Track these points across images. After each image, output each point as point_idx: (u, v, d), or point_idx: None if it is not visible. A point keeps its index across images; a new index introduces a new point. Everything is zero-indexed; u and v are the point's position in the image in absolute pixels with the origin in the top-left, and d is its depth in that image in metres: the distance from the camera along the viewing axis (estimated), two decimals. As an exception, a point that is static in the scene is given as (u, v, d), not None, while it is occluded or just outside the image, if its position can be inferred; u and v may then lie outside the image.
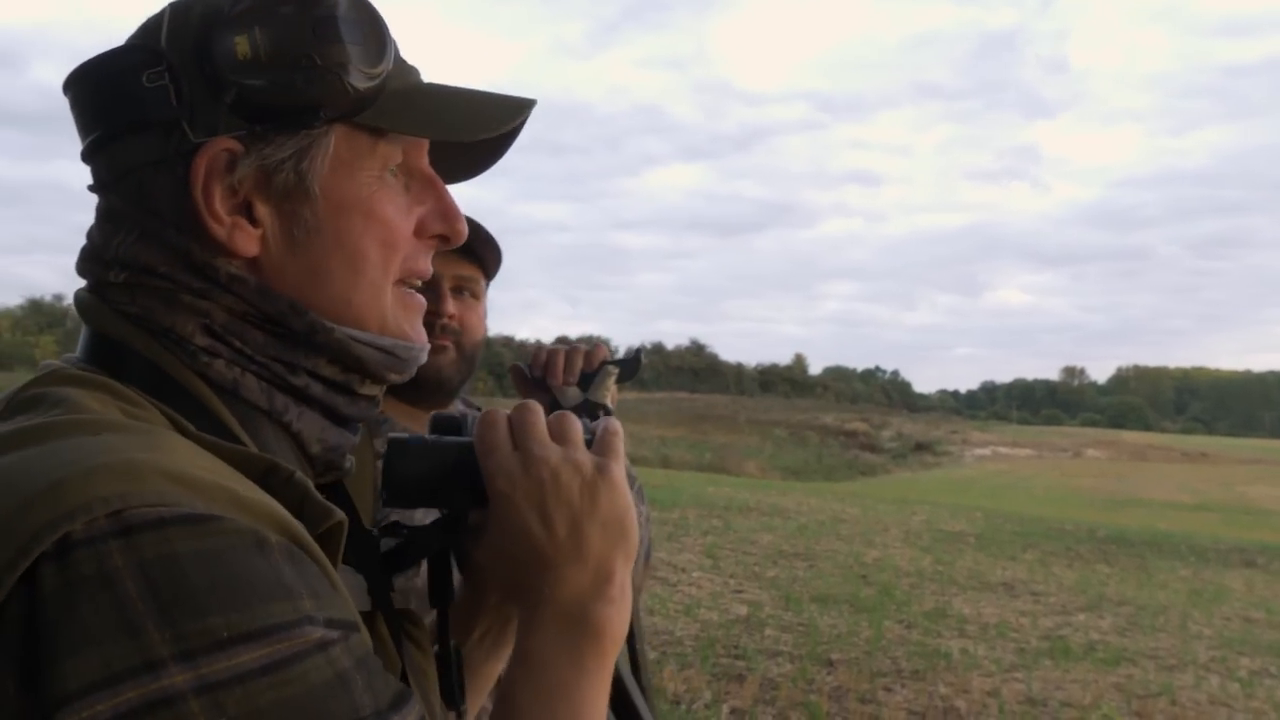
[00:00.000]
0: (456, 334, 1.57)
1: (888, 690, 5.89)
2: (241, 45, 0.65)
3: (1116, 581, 10.19)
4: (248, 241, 0.68)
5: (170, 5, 0.68)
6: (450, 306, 1.57)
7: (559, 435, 0.73)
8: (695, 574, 9.00)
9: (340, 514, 0.64)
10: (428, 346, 0.77)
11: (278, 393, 0.70)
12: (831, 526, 12.97)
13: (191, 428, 0.63)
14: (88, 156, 0.71)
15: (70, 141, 0.73)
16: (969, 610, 8.21)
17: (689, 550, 10.22)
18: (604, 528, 0.71)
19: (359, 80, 0.67)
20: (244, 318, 0.68)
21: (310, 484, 0.63)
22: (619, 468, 0.73)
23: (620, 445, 0.75)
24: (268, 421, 0.70)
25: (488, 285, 1.64)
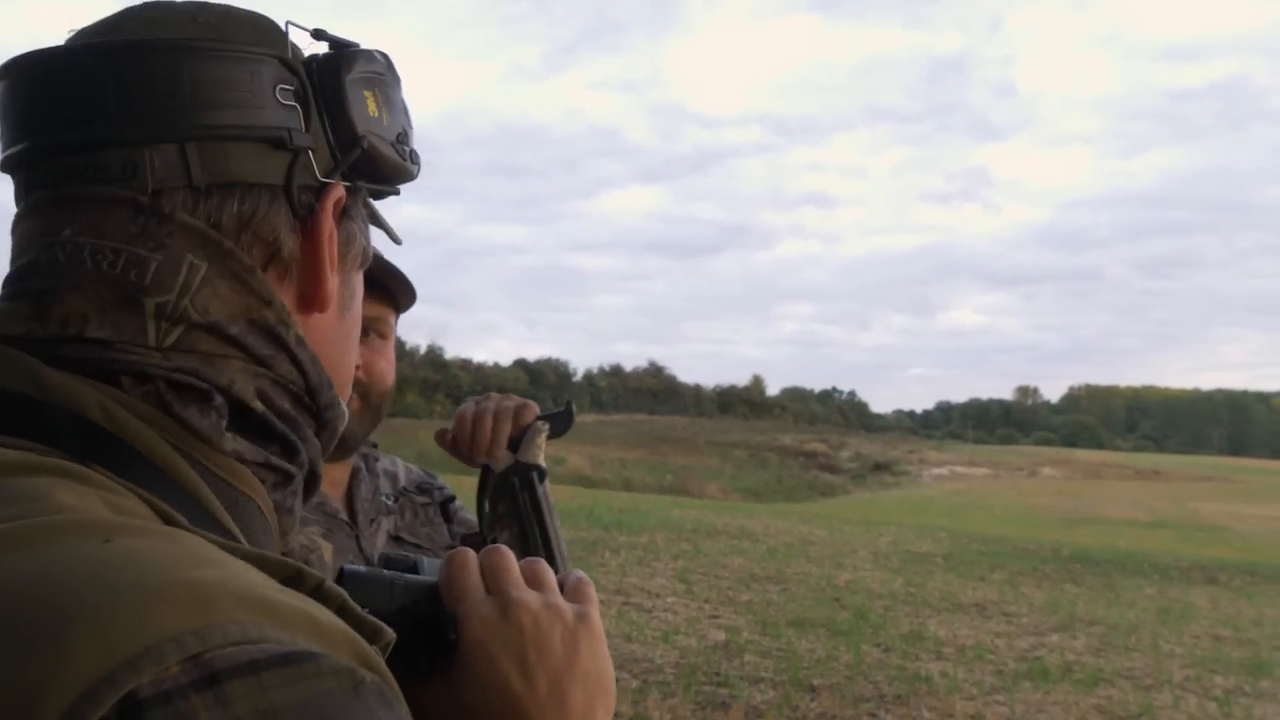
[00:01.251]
0: (363, 384, 1.38)
1: (872, 716, 5.87)
2: (371, 101, 0.62)
3: (1085, 601, 10.27)
4: (332, 300, 0.62)
5: (288, 21, 0.61)
6: (376, 360, 1.41)
7: (534, 580, 0.69)
8: (670, 599, 8.94)
9: (390, 633, 0.53)
10: None
11: (272, 474, 0.60)
12: (801, 549, 12.97)
13: (185, 522, 0.51)
14: (118, 144, 0.56)
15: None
16: (944, 632, 8.22)
17: (661, 575, 10.17)
18: (585, 681, 0.66)
19: (414, 167, 0.67)
20: (286, 387, 0.60)
21: (346, 595, 0.52)
22: (597, 616, 0.69)
23: (594, 594, 0.71)
24: (256, 507, 0.59)
25: (396, 322, 1.48)
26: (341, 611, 0.50)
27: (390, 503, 1.49)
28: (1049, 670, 7.07)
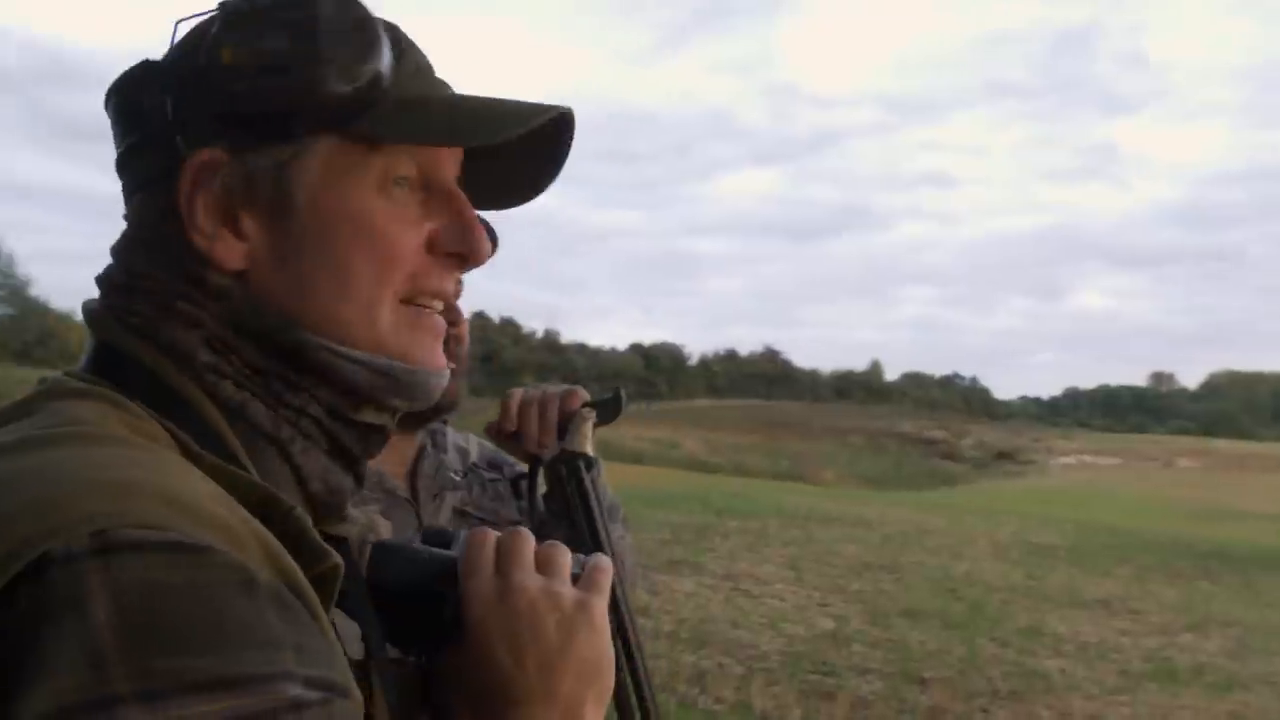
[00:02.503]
0: (458, 347, 1.41)
1: (985, 712, 5.67)
2: (227, 52, 0.65)
3: (1222, 600, 9.76)
4: (230, 254, 0.67)
5: (178, 20, 0.69)
6: (462, 317, 1.41)
7: (545, 565, 0.72)
8: (778, 586, 8.83)
9: (337, 557, 0.61)
10: (444, 371, 0.73)
11: (283, 421, 0.68)
12: (916, 538, 12.68)
13: (194, 446, 0.61)
14: (116, 172, 0.71)
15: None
16: (1065, 628, 7.92)
17: (770, 561, 10.06)
18: (578, 667, 0.69)
19: (336, 85, 0.65)
20: (237, 331, 0.67)
21: (309, 522, 0.61)
22: (601, 605, 0.72)
23: (607, 582, 0.74)
24: (273, 449, 0.67)
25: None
26: (299, 535, 0.58)
27: (458, 478, 1.50)
28: (1178, 672, 6.73)
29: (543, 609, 0.69)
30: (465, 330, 1.42)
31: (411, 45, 0.72)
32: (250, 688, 0.48)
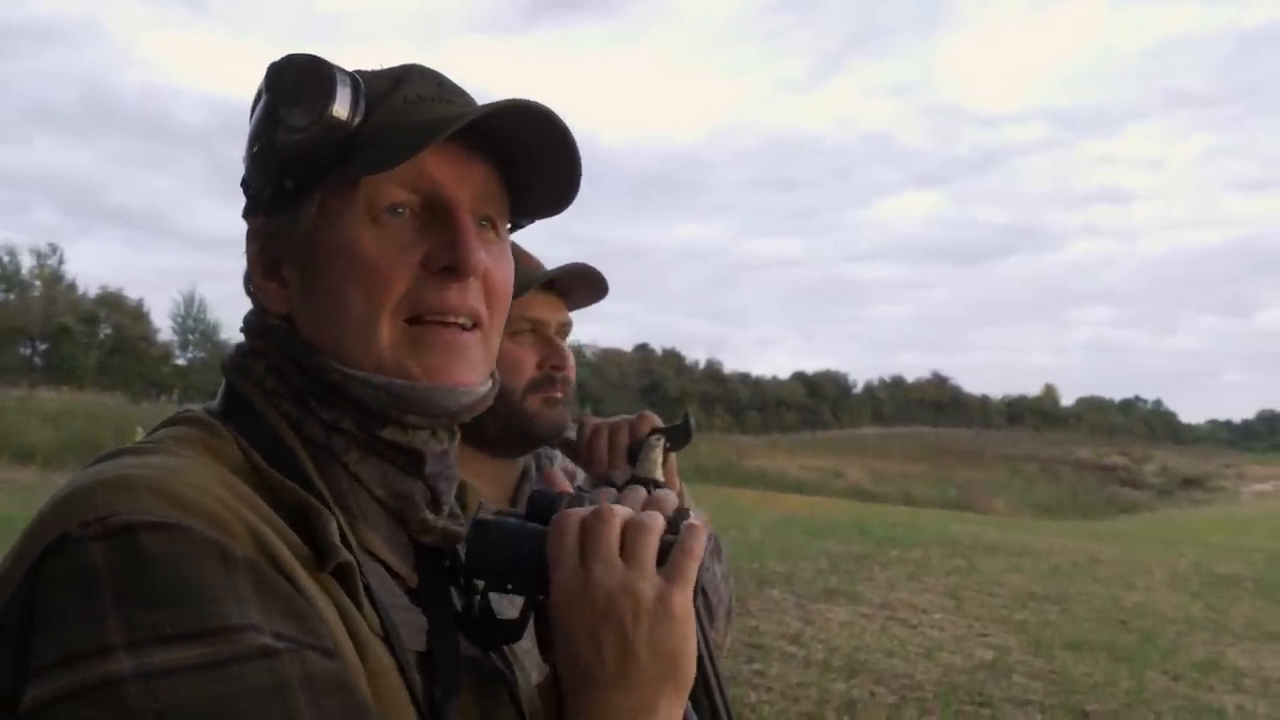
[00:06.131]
0: (568, 384, 1.44)
1: (1151, 747, 5.45)
2: (249, 137, 0.79)
3: None
4: (276, 301, 0.79)
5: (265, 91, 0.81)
6: (571, 359, 1.45)
7: (629, 550, 0.73)
8: (937, 615, 8.65)
9: (346, 556, 0.69)
10: (459, 385, 0.76)
11: (335, 434, 0.76)
12: (1087, 568, 12.18)
13: (261, 462, 0.72)
14: None
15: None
16: (1246, 663, 7.49)
17: (930, 591, 9.85)
18: (655, 659, 0.71)
19: (291, 138, 0.74)
20: (288, 360, 0.77)
21: (333, 523, 0.70)
22: (683, 596, 0.73)
23: (692, 569, 0.73)
24: (336, 464, 0.76)
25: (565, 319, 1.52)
26: (321, 535, 0.69)
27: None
28: (1371, 710, 6.30)
29: (621, 604, 0.71)
30: (572, 368, 1.45)
31: (415, 78, 0.78)
32: (220, 636, 0.58)
